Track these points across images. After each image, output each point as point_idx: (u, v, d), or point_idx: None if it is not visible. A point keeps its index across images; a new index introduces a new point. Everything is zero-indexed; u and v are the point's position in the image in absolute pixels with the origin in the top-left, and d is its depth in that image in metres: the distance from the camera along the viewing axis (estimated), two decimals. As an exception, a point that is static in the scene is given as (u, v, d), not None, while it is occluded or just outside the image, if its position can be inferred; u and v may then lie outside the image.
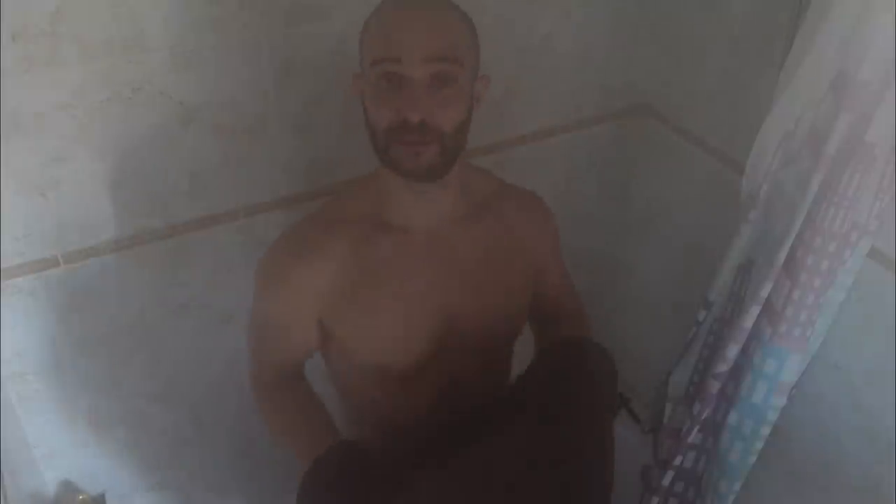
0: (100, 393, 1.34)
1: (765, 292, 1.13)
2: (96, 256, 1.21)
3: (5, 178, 1.08)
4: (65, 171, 1.12)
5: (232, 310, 1.37)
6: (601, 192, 1.69)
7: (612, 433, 1.09)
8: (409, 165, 0.93)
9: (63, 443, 1.36)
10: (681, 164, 1.55)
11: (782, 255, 1.10)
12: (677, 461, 1.34)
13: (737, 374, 1.23)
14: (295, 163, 1.29)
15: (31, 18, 1.00)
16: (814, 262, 1.09)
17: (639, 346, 1.77)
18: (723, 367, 1.22)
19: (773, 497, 1.41)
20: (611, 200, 1.72)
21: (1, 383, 1.22)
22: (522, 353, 1.19)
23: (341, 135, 1.28)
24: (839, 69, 1.01)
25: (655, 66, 1.53)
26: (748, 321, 1.16)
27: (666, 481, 1.36)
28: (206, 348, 1.39)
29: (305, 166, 1.30)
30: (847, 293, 1.13)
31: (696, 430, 1.30)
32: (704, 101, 1.47)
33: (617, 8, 1.45)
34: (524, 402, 1.06)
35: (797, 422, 1.29)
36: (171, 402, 1.43)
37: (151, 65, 1.10)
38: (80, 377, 1.31)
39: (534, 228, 1.13)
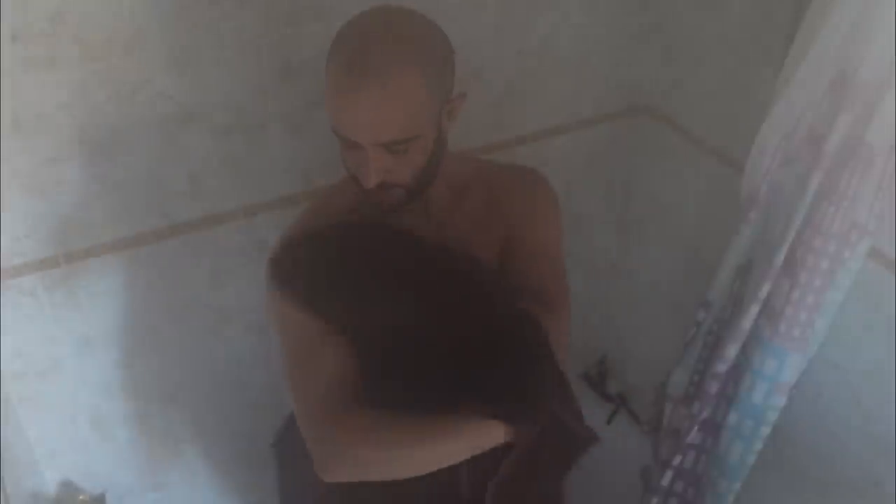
0: (100, 393, 1.34)
1: (764, 292, 1.13)
2: (96, 256, 1.21)
3: (6, 178, 1.08)
4: (65, 172, 1.12)
5: (232, 310, 1.37)
6: (601, 193, 1.69)
7: None
8: (376, 205, 0.97)
9: (63, 443, 1.36)
10: (681, 164, 1.55)
11: (782, 255, 1.10)
12: (677, 461, 1.34)
13: (736, 374, 1.23)
14: (295, 163, 1.29)
15: (31, 18, 1.00)
16: (813, 262, 1.09)
17: (639, 347, 1.77)
18: (722, 367, 1.22)
19: (772, 497, 1.41)
20: (611, 200, 1.72)
21: (1, 383, 1.22)
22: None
23: (341, 135, 1.28)
24: (838, 69, 1.01)
25: (655, 67, 1.53)
26: (747, 321, 1.16)
27: (665, 481, 1.36)
28: (206, 348, 1.39)
29: (305, 166, 1.30)
30: (846, 293, 1.13)
31: (695, 429, 1.30)
32: (704, 101, 1.47)
33: (617, 8, 1.45)
34: None
35: (797, 422, 1.29)
36: (171, 402, 1.43)
37: (151, 65, 1.10)
38: (80, 377, 1.31)
39: (510, 196, 1.10)
